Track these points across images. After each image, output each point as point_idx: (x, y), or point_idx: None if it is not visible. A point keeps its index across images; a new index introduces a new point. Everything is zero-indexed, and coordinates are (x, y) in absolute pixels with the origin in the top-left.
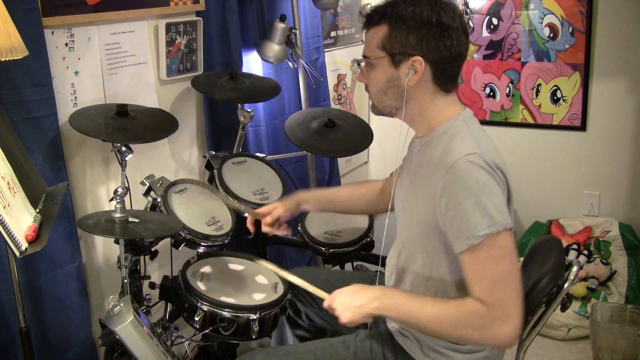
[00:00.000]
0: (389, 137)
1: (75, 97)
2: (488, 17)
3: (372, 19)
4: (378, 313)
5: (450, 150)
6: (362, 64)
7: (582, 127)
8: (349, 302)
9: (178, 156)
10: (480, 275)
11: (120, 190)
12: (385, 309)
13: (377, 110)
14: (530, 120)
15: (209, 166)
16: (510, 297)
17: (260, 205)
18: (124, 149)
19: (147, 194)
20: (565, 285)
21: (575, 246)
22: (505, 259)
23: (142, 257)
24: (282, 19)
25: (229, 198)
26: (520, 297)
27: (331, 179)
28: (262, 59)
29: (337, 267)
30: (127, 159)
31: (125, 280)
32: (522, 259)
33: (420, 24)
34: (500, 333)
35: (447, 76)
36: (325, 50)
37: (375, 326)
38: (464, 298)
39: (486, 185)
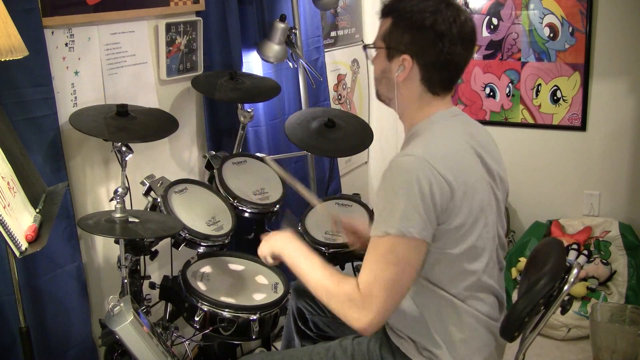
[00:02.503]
0: (389, 137)
1: (75, 97)
2: (488, 17)
3: (383, 10)
4: (278, 253)
5: (403, 150)
6: (368, 49)
7: (582, 127)
8: (267, 240)
9: (178, 156)
10: (369, 266)
11: (120, 190)
12: (284, 255)
13: (377, 95)
14: (530, 120)
15: (209, 166)
16: (381, 298)
17: (262, 205)
18: (124, 149)
19: (147, 194)
20: (565, 287)
21: (575, 246)
22: (395, 266)
23: (142, 257)
24: (282, 19)
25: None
26: (392, 303)
27: (331, 179)
28: (262, 59)
29: (338, 268)
30: (127, 159)
31: (125, 280)
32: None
33: (414, 25)
34: (357, 320)
35: (436, 81)
36: (325, 50)
37: None
38: (348, 277)
39: (408, 187)
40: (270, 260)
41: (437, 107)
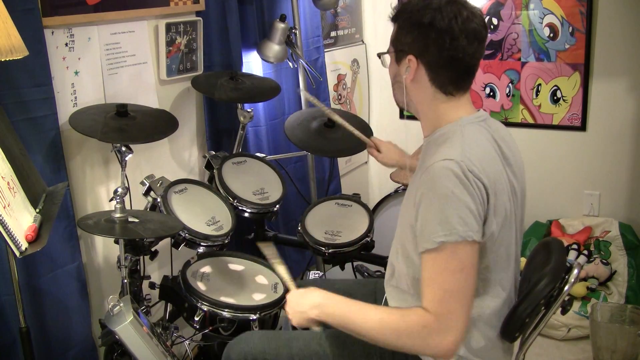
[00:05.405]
0: (389, 137)
1: (75, 97)
2: (488, 17)
3: (392, 17)
4: (319, 320)
5: (435, 154)
6: (383, 56)
7: (582, 127)
8: (294, 307)
9: (178, 156)
10: (434, 282)
11: (120, 190)
12: (326, 316)
13: (396, 102)
14: (530, 120)
15: (209, 166)
16: (457, 311)
17: (261, 205)
18: (124, 149)
19: (147, 194)
20: (565, 287)
21: (575, 246)
22: (461, 272)
23: (142, 257)
24: (282, 19)
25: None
26: (468, 313)
27: (331, 179)
28: (262, 59)
29: (338, 268)
30: (127, 159)
31: (125, 280)
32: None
33: (414, 24)
34: (439, 344)
35: (445, 79)
36: (325, 50)
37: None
38: (410, 308)
39: (454, 193)
40: (316, 328)
41: (461, 110)
